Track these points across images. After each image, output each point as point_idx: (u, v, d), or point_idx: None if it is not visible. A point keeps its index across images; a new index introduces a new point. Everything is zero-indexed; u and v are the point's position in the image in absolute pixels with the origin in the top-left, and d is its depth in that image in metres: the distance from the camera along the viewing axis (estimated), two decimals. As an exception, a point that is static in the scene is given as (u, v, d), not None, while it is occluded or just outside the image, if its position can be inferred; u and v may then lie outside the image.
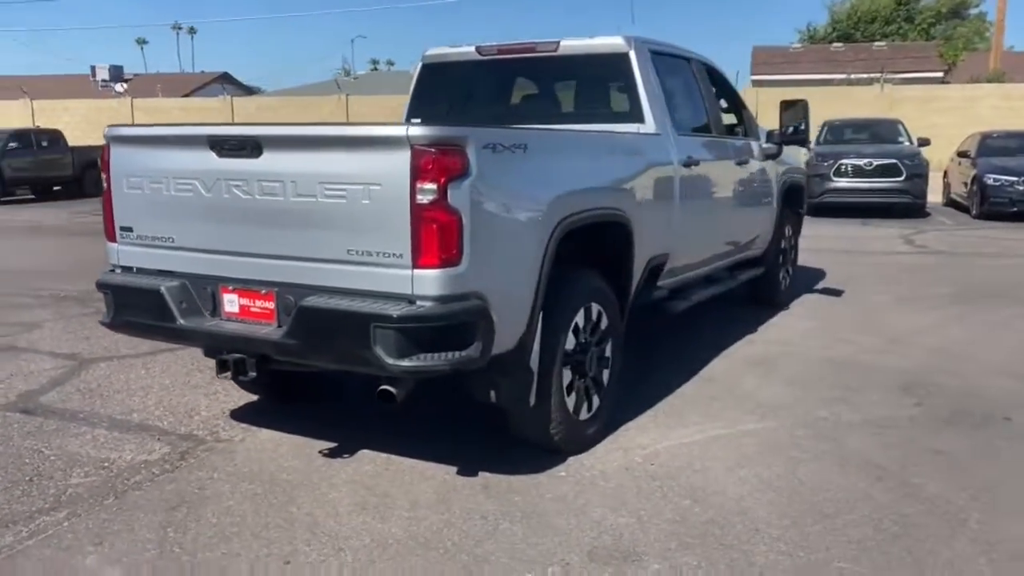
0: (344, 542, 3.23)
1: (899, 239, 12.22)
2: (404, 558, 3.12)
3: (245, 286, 3.60)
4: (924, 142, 15.37)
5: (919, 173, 14.63)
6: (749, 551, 3.15)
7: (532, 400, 3.72)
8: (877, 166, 14.68)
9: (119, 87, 48.57)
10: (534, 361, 3.67)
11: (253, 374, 3.62)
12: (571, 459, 4.00)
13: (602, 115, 5.14)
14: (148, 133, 3.86)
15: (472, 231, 3.21)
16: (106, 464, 4.00)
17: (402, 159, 3.12)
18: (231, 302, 3.65)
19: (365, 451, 4.11)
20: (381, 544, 3.22)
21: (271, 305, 3.52)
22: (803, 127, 6.42)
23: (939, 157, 17.69)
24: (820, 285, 8.43)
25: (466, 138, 3.20)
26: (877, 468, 3.89)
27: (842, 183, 14.89)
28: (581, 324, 4.01)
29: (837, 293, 8.06)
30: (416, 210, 3.13)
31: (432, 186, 3.11)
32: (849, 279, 8.75)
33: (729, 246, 6.11)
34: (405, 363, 3.18)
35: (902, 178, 14.56)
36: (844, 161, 14.88)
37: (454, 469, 3.89)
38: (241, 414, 4.69)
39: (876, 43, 41.87)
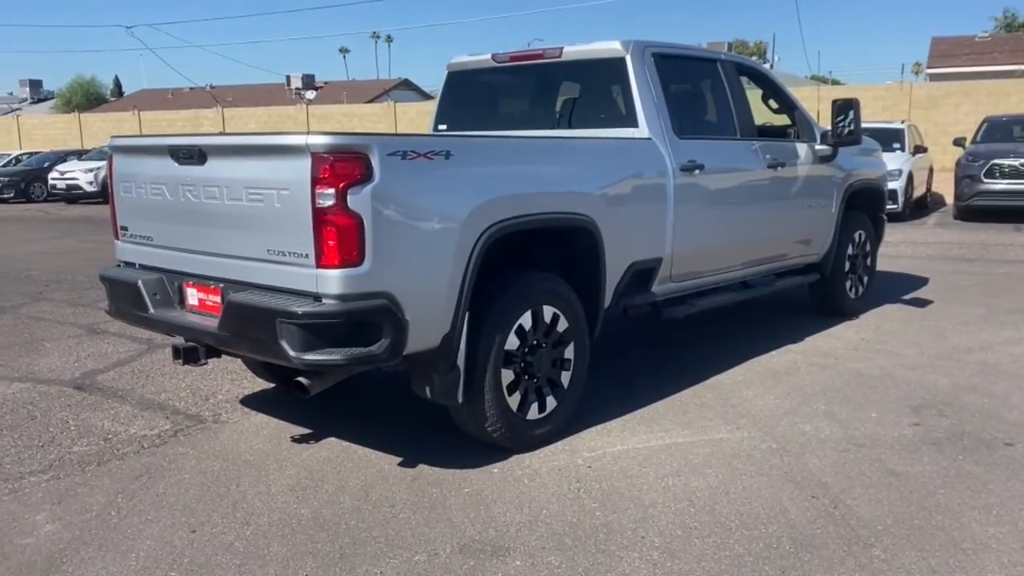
0: (255, 519, 3.52)
1: (1043, 247, 11.17)
2: (294, 536, 3.36)
3: (202, 282, 3.98)
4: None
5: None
6: (619, 557, 3.16)
7: (460, 397, 3.85)
8: (1035, 168, 13.44)
9: (309, 94, 52.19)
10: (460, 359, 3.80)
11: (205, 361, 3.99)
12: (515, 457, 4.11)
13: (599, 120, 5.16)
14: (136, 144, 4.33)
15: (376, 233, 3.40)
16: (110, 436, 4.52)
17: (304, 166, 3.36)
18: (193, 296, 4.04)
19: (331, 439, 4.40)
20: (285, 523, 3.48)
21: (218, 299, 3.87)
22: (855, 127, 6.10)
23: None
24: (910, 295, 7.91)
25: (368, 146, 3.39)
26: (818, 487, 3.73)
27: (994, 185, 13.75)
28: (528, 325, 4.10)
29: (923, 304, 7.55)
30: (317, 213, 3.36)
31: (331, 191, 3.33)
32: (951, 289, 8.17)
33: (762, 252, 5.92)
34: (308, 356, 3.43)
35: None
36: (997, 161, 13.74)
37: (398, 460, 4.10)
38: (250, 399, 5.12)
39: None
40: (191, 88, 57.56)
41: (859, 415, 4.63)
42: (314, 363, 3.45)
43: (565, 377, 4.35)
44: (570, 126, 5.27)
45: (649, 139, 4.87)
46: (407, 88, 54.71)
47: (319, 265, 3.41)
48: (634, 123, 4.92)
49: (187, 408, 4.97)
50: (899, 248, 11.04)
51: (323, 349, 3.43)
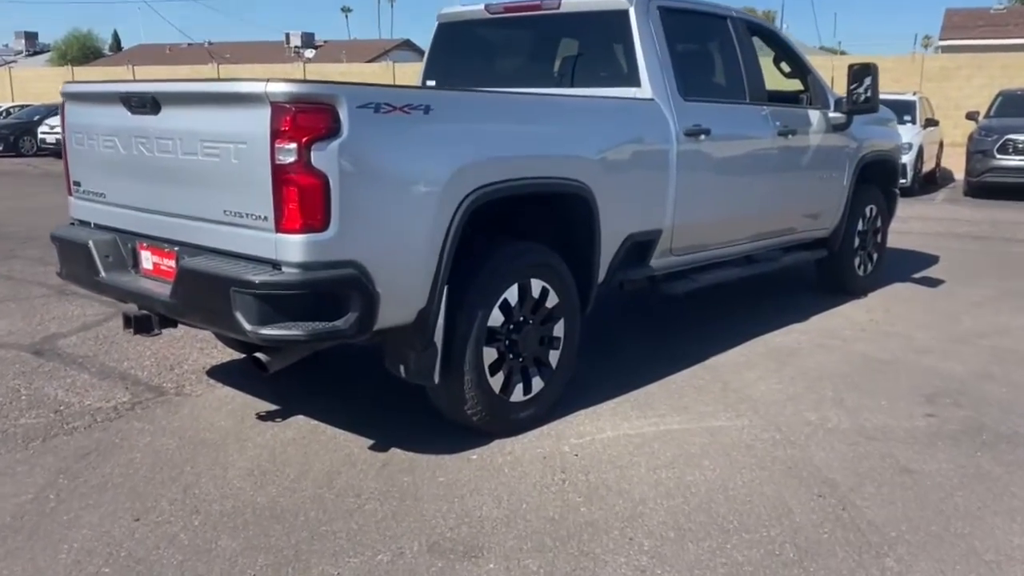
0: (206, 506, 3.21)
1: (1057, 226, 10.80)
2: (247, 528, 3.05)
3: (156, 244, 3.63)
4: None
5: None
6: (604, 561, 2.84)
7: (437, 377, 3.52)
8: (1051, 143, 13.02)
9: (308, 53, 51.35)
10: (438, 336, 3.47)
11: (158, 332, 3.65)
12: (496, 442, 3.78)
13: (599, 78, 4.77)
14: (89, 90, 3.95)
15: (343, 195, 3.04)
16: (62, 408, 4.19)
17: (263, 117, 2.99)
18: (147, 259, 3.69)
19: (300, 417, 4.08)
20: (238, 512, 3.16)
21: (173, 264, 3.52)
22: (871, 94, 5.71)
23: None
24: (920, 274, 7.55)
25: (335, 96, 3.02)
26: (825, 484, 3.41)
27: (1008, 161, 13.33)
28: (514, 300, 3.75)
29: (934, 283, 7.20)
30: (276, 171, 3.00)
31: (292, 146, 2.97)
32: (962, 269, 7.81)
33: (769, 225, 5.56)
34: (265, 331, 3.09)
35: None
36: (1011, 137, 13.30)
37: (370, 443, 3.77)
38: (217, 371, 4.78)
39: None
40: (189, 44, 56.78)
41: (869, 403, 4.31)
42: (272, 338, 3.11)
43: (553, 356, 4.01)
44: (567, 84, 4.88)
45: (652, 100, 4.49)
46: (409, 49, 53.86)
47: (279, 229, 3.06)
48: (636, 82, 4.54)
49: (149, 378, 4.64)
50: (908, 224, 10.65)
51: (282, 323, 3.09)
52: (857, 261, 6.67)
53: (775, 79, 6.04)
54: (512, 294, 3.74)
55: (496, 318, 3.69)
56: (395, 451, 3.69)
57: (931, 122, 15.07)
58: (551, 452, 3.70)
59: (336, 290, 3.11)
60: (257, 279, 3.06)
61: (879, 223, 6.90)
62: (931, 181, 15.98)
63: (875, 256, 6.92)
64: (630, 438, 3.84)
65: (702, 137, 4.69)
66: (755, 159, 5.28)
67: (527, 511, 3.18)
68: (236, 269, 3.14)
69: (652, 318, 5.94)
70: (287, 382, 4.41)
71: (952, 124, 17.09)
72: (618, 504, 3.23)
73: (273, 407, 4.20)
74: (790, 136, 5.49)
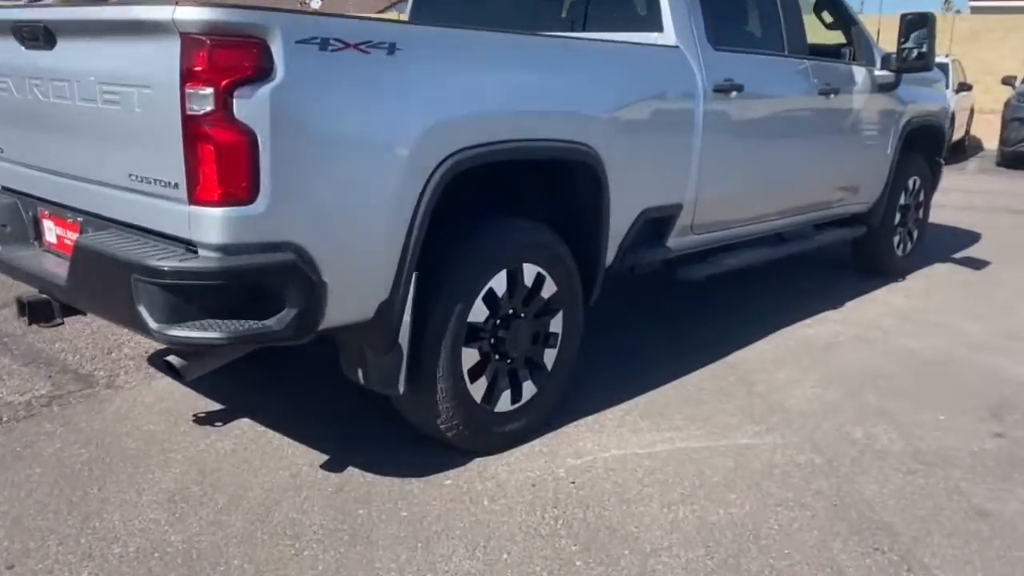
0: (104, 547, 2.55)
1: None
2: (148, 583, 2.39)
3: (59, 212, 2.92)
4: None
5: None
6: (604, 647, 2.18)
7: (401, 386, 2.83)
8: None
9: (315, 3, 50.08)
10: (404, 336, 2.77)
11: (60, 321, 2.97)
12: (476, 462, 3.12)
13: (614, 20, 4.01)
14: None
15: (276, 157, 2.33)
16: (-36, 402, 3.53)
17: (171, 52, 2.27)
18: (50, 230, 3.00)
19: (244, 421, 3.41)
20: (142, 557, 2.50)
21: (76, 238, 2.82)
22: (926, 50, 4.94)
23: None
24: (961, 254, 6.82)
25: (266, 27, 2.29)
26: (881, 531, 2.74)
27: (1046, 130, 12.48)
28: (502, 290, 3.06)
29: (978, 265, 6.46)
30: (188, 124, 2.29)
31: (208, 91, 2.25)
32: (1008, 248, 7.07)
33: (804, 198, 4.82)
34: (174, 332, 2.39)
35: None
36: (1051, 103, 12.43)
37: (323, 459, 3.11)
38: (163, 356, 4.09)
39: None
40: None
41: (922, 417, 3.62)
42: (183, 341, 2.41)
43: (549, 356, 3.33)
44: (579, 28, 4.11)
45: (676, 48, 3.74)
46: None
47: (193, 200, 2.35)
48: (658, 26, 3.79)
49: (80, 364, 3.97)
50: (939, 196, 9.86)
51: (197, 322, 2.39)
52: (897, 239, 5.93)
53: (815, 30, 5.25)
54: (499, 283, 3.05)
55: (479, 312, 3.00)
56: (352, 472, 3.02)
57: (964, 87, 14.18)
58: (543, 476, 3.02)
59: (267, 280, 2.41)
60: (164, 265, 2.36)
61: (921, 197, 6.15)
62: (960, 150, 15.12)
63: (915, 234, 6.18)
64: (639, 459, 3.17)
65: (733, 94, 3.94)
66: (792, 122, 4.53)
67: (508, 566, 2.51)
68: (139, 251, 2.44)
69: (665, 306, 5.23)
70: (236, 375, 3.73)
71: (983, 89, 16.16)
72: (624, 557, 2.56)
73: (215, 407, 3.53)
74: (832, 96, 4.73)
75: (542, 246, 3.20)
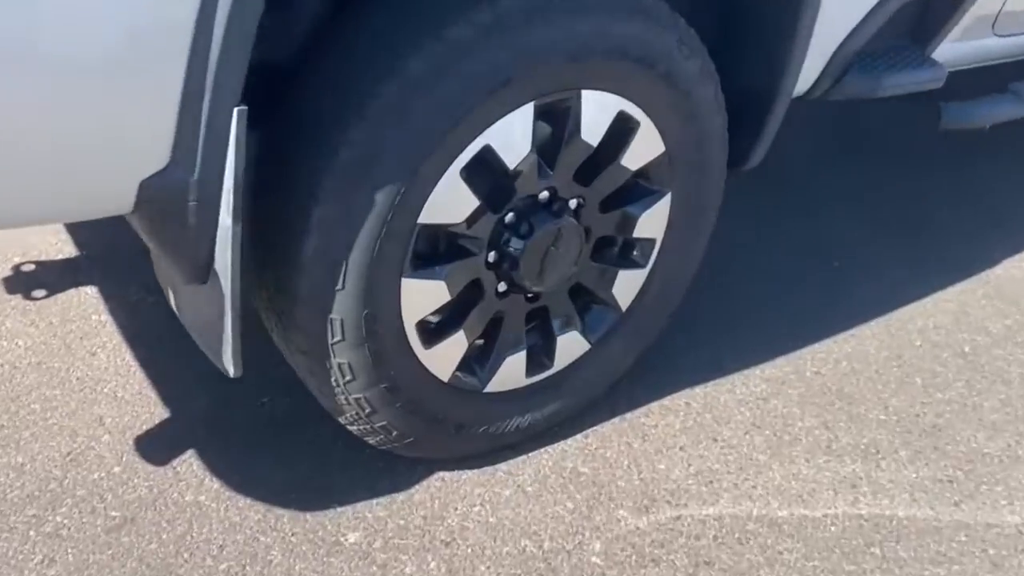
0: None
1: None
2: None
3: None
4: None
5: None
6: None
7: (231, 362, 1.20)
8: None
9: None
10: (226, 252, 1.10)
11: None
12: (440, 500, 1.53)
13: None
14: None
15: None
16: None
17: None
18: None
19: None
20: None
21: None
22: None
23: None
24: None
25: None
26: None
27: None
28: (517, 147, 1.28)
29: None
30: None
31: None
32: None
33: None
34: None
35: None
36: None
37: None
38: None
39: None
40: None
41: None
42: None
43: (627, 285, 1.57)
44: None
45: None
46: None
47: None
48: None
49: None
50: None
51: None
52: None
53: None
54: (509, 133, 1.25)
55: (449, 198, 1.25)
56: (253, 506, 1.49)
57: None
58: (564, 549, 1.40)
59: None
60: None
61: None
62: None
63: None
64: (752, 536, 1.46)
65: None
66: None
67: None
68: None
69: (793, 218, 2.72)
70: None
71: None
72: None
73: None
74: None
75: (640, 41, 1.33)
